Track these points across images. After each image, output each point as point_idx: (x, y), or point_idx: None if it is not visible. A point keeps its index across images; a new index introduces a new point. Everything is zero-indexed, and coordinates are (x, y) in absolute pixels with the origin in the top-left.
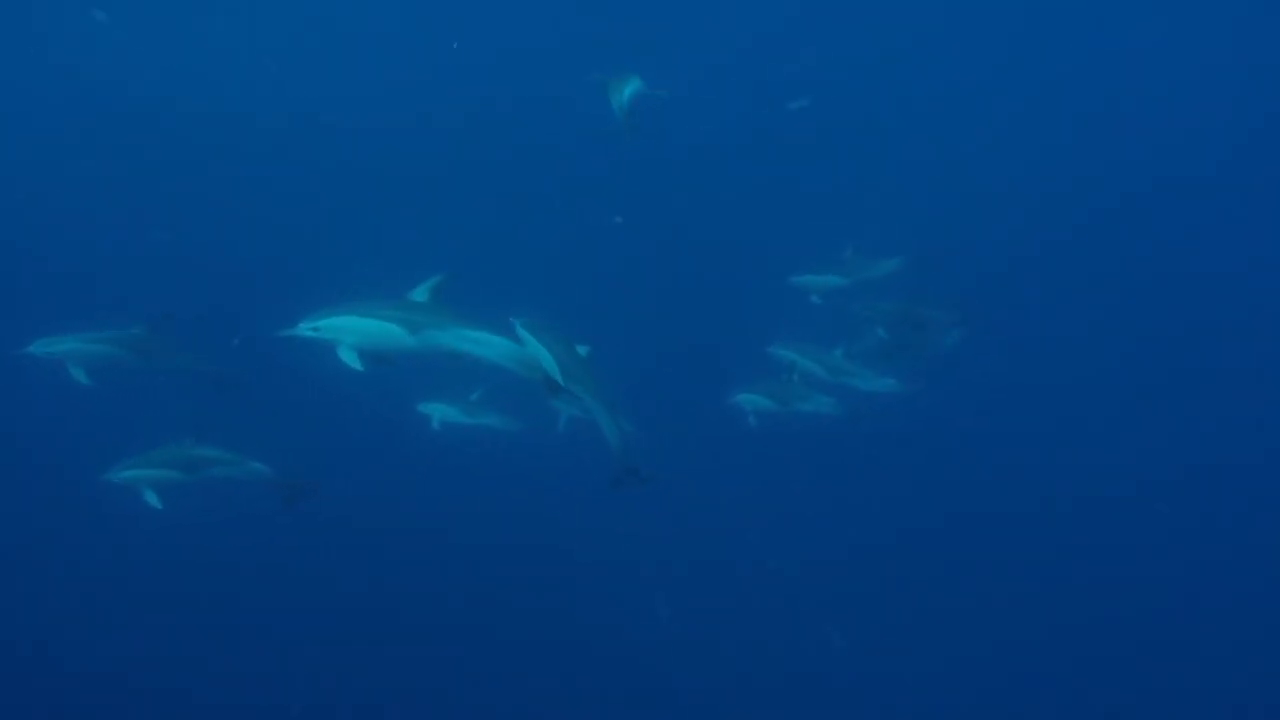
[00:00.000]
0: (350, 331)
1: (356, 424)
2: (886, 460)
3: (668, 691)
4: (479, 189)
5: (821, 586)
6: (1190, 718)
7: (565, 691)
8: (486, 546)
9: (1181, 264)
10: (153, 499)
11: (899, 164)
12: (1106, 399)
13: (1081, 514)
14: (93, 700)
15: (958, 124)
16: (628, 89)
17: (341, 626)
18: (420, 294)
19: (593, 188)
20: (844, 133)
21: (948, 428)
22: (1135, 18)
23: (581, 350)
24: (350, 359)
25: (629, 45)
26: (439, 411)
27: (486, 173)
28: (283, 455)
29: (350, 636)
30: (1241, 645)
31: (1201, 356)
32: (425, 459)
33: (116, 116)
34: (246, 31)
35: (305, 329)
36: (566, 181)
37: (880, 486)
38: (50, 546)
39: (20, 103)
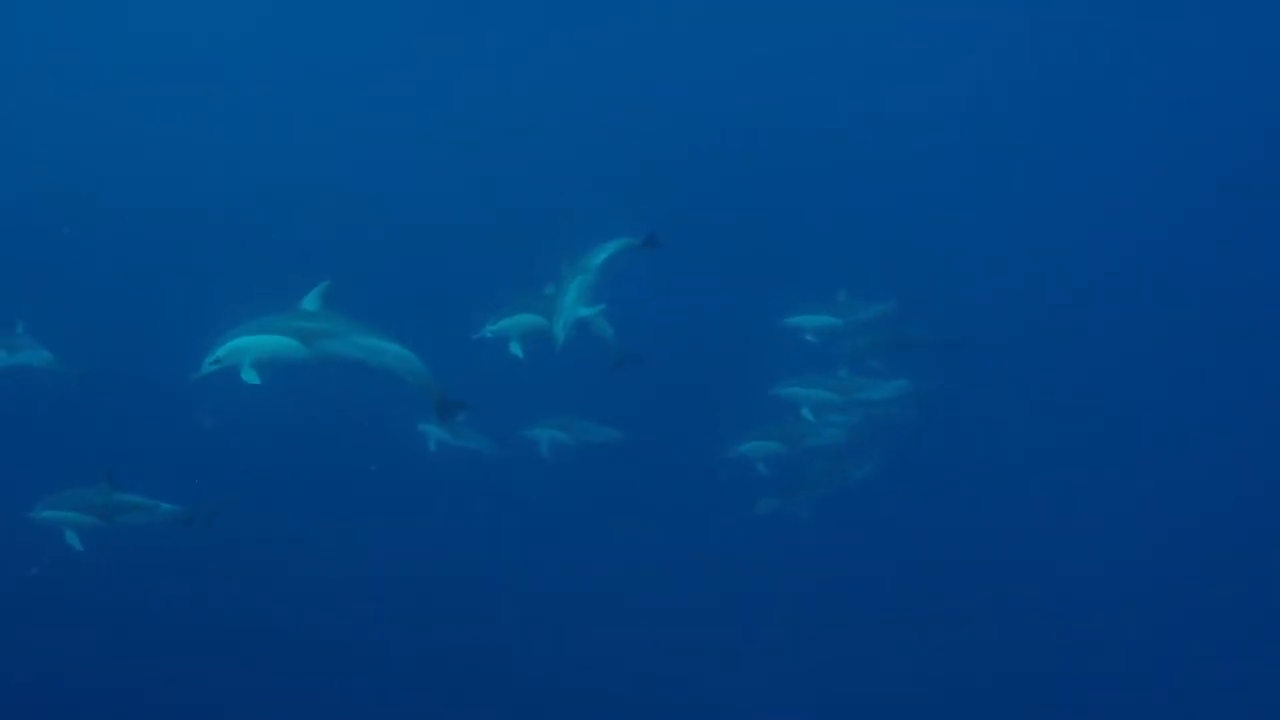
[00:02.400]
0: (248, 351)
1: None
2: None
3: None
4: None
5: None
6: None
7: None
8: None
9: (1183, 290)
10: (74, 540)
11: (894, 206)
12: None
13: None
14: None
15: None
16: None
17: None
18: (310, 302)
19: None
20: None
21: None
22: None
23: (549, 290)
24: (250, 377)
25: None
26: (435, 432)
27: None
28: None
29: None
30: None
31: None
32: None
33: None
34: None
35: (209, 366)
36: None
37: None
38: None
39: None
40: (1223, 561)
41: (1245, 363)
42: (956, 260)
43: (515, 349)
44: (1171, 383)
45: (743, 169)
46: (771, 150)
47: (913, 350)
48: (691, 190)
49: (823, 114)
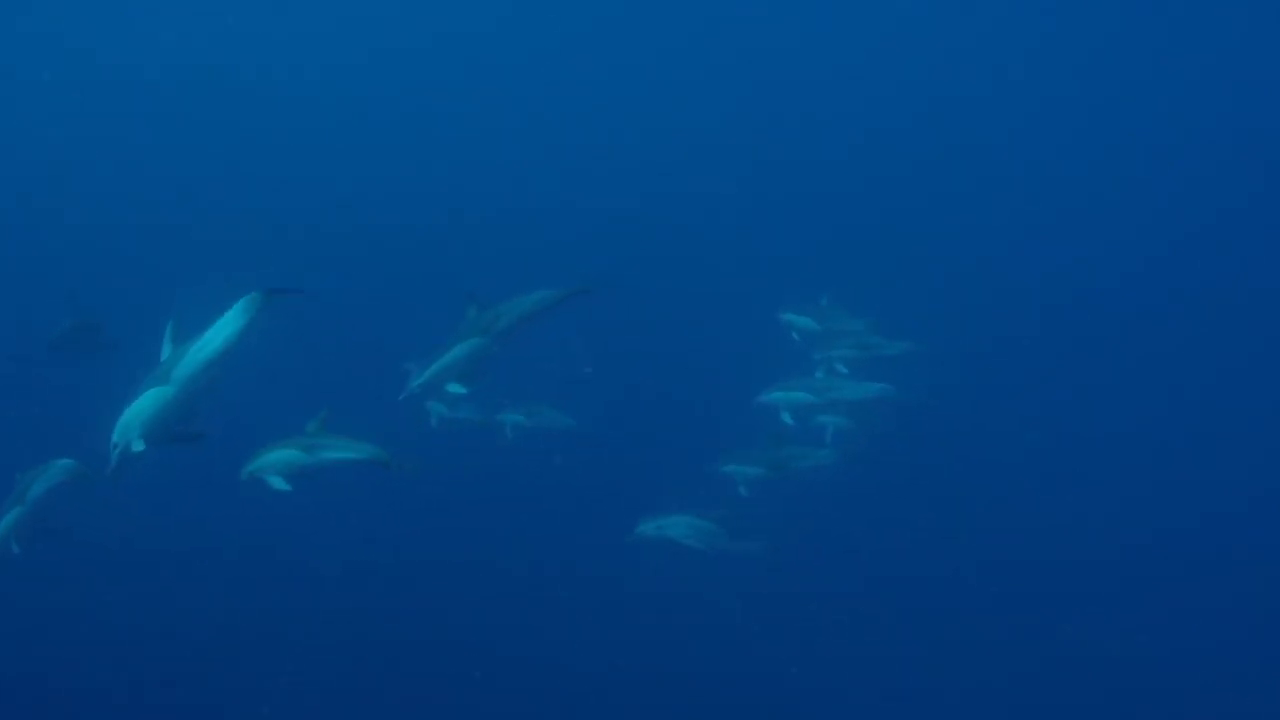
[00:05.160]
0: (131, 425)
1: None
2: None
3: None
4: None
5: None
6: None
7: None
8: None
9: (1176, 294)
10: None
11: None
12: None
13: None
14: None
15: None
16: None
17: None
18: (164, 348)
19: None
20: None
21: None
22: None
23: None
24: (137, 446)
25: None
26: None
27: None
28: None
29: None
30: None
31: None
32: None
33: None
34: None
35: (114, 454)
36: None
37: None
38: None
39: None
40: (1220, 566)
41: (1241, 369)
42: (946, 265)
43: (454, 388)
44: (1165, 388)
45: (730, 172)
46: (761, 153)
47: (881, 361)
48: (678, 193)
49: (819, 118)
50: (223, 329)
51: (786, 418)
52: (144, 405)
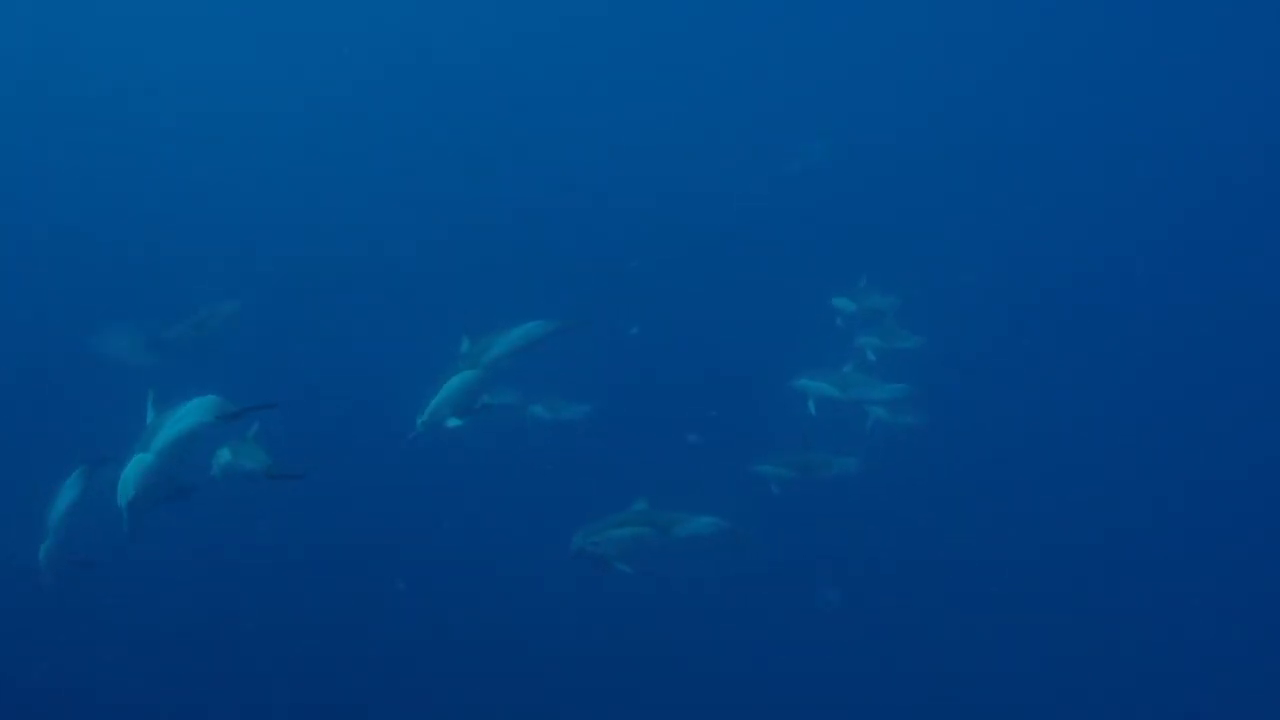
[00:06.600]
0: (126, 484)
1: None
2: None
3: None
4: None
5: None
6: None
7: None
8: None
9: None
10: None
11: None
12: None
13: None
14: None
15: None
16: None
17: None
18: (150, 414)
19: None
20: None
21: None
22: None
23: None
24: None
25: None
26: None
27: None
28: None
29: None
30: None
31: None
32: None
33: None
34: None
35: (124, 506)
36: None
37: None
38: None
39: None
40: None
41: (1243, 369)
42: (968, 260)
43: (451, 422)
44: (1174, 387)
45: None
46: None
47: (899, 355)
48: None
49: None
50: (193, 413)
51: (811, 406)
52: (132, 470)
